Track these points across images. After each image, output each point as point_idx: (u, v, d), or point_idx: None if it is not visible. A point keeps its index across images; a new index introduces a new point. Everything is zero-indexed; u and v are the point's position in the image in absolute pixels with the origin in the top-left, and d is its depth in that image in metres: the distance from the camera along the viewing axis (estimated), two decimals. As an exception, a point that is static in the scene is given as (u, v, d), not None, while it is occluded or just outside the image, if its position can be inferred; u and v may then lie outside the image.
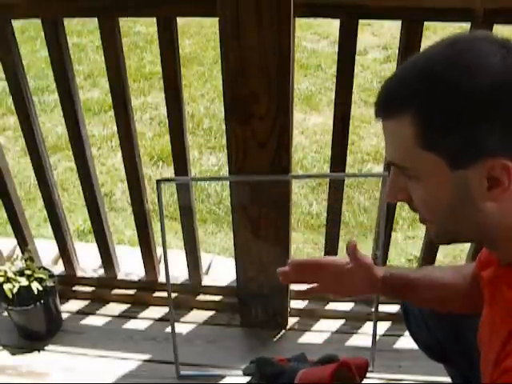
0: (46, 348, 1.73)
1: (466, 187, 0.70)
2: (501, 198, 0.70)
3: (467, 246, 1.67)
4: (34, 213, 2.82)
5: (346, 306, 1.79)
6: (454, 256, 2.43)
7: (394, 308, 1.74)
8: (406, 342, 1.31)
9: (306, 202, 2.93)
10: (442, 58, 0.69)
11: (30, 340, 1.75)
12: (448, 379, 1.26)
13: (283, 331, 1.77)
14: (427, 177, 0.73)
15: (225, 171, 3.08)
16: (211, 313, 1.84)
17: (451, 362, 1.20)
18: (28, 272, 1.66)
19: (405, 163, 0.74)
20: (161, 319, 1.82)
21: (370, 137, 3.48)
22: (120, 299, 1.88)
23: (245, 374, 1.09)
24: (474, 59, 0.67)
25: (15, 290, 1.61)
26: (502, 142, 0.66)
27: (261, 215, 1.48)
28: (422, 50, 0.76)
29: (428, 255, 1.64)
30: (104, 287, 1.89)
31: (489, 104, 0.65)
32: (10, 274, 1.64)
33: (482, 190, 0.69)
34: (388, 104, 0.73)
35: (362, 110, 3.77)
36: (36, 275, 1.66)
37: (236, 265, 1.64)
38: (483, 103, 0.65)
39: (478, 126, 0.66)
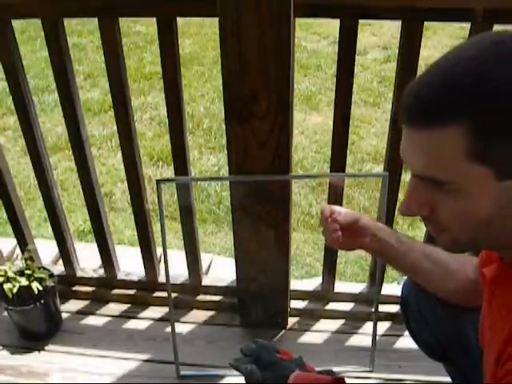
0: (46, 348, 1.73)
1: (509, 196, 0.66)
2: None
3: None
4: (34, 213, 2.82)
5: (346, 306, 1.79)
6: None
7: (393, 308, 1.74)
8: (406, 342, 1.31)
9: (306, 202, 2.93)
10: (492, 58, 0.62)
11: (30, 340, 1.74)
12: (448, 379, 1.26)
13: (283, 331, 1.77)
14: (470, 189, 0.66)
15: (225, 171, 3.08)
16: (211, 313, 1.84)
17: (451, 361, 1.20)
18: (28, 272, 1.66)
19: (445, 177, 0.67)
20: (161, 319, 1.82)
21: (370, 137, 3.48)
22: (120, 299, 1.88)
23: (241, 352, 1.07)
24: None
25: (15, 290, 1.61)
26: None
27: (261, 215, 1.48)
28: (453, 50, 0.68)
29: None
30: (104, 287, 1.89)
31: None
32: (10, 274, 1.64)
33: None
34: (429, 112, 0.65)
35: (362, 110, 3.78)
36: (36, 275, 1.66)
37: (236, 265, 1.64)
38: None
39: None
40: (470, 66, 0.63)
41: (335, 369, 1.06)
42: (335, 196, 1.55)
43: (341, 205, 1.57)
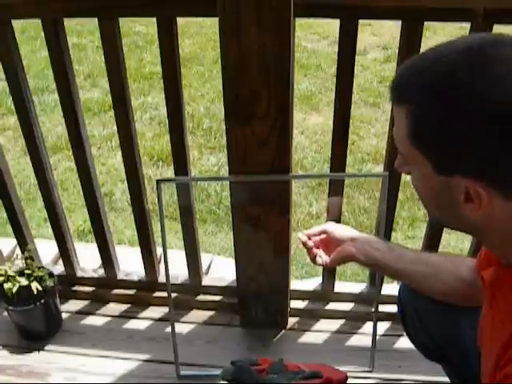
0: (45, 348, 1.73)
1: (447, 192, 0.71)
2: (479, 209, 0.69)
3: (467, 246, 1.67)
4: (34, 213, 2.82)
5: (346, 306, 1.79)
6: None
7: (394, 308, 1.72)
8: (406, 342, 1.31)
9: (306, 202, 2.93)
10: (460, 63, 0.65)
11: (30, 340, 1.74)
12: (448, 379, 1.26)
13: (283, 331, 1.77)
14: (415, 169, 0.75)
15: (225, 171, 3.08)
16: (211, 313, 1.84)
17: (449, 362, 1.20)
18: (28, 272, 1.66)
19: (400, 149, 0.76)
20: (161, 319, 1.82)
21: (370, 137, 3.48)
22: (120, 299, 1.88)
23: (222, 379, 1.05)
24: (492, 78, 0.63)
25: (15, 290, 1.61)
26: (480, 169, 0.66)
27: (261, 215, 1.48)
28: (448, 41, 0.72)
29: (428, 255, 1.64)
30: (104, 287, 1.89)
31: (480, 130, 0.63)
32: (10, 274, 1.64)
33: (461, 200, 0.70)
34: (394, 90, 0.73)
35: (362, 110, 3.78)
36: (36, 275, 1.66)
37: (236, 265, 1.64)
38: (477, 126, 0.63)
39: (465, 145, 0.65)
40: (439, 65, 0.68)
41: (335, 369, 1.06)
42: (335, 194, 1.55)
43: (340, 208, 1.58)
